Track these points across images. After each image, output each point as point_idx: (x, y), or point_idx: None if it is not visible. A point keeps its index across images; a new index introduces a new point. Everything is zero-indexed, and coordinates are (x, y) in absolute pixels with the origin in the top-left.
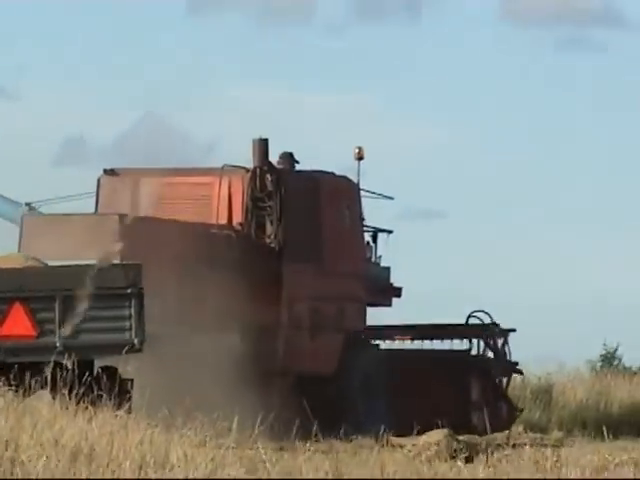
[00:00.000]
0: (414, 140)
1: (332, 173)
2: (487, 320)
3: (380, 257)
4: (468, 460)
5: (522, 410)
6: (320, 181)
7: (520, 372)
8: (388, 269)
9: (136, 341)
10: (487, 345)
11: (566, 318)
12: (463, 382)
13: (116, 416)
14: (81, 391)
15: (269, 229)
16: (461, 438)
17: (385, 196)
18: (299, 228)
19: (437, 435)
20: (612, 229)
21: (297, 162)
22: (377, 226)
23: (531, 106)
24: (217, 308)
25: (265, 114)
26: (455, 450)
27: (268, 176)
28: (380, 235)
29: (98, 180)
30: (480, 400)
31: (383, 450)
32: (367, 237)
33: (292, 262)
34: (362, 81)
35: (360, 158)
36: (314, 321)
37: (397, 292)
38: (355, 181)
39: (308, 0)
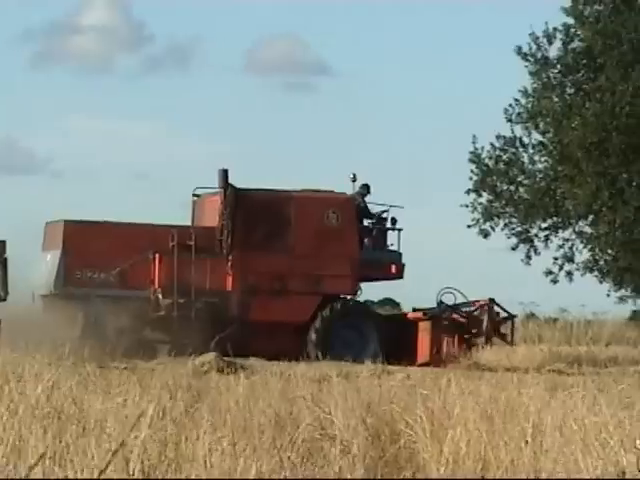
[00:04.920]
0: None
1: (309, 190)
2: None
3: (391, 245)
4: (232, 373)
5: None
6: (283, 198)
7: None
8: (398, 254)
9: (2, 294)
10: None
11: None
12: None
13: None
14: None
15: (223, 230)
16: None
17: (394, 206)
18: (259, 228)
19: (209, 356)
20: None
21: (369, 192)
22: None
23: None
24: (178, 276)
25: None
26: (221, 366)
27: (226, 197)
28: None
29: (193, 202)
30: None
31: (174, 366)
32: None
33: (243, 250)
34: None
35: (354, 181)
36: (279, 287)
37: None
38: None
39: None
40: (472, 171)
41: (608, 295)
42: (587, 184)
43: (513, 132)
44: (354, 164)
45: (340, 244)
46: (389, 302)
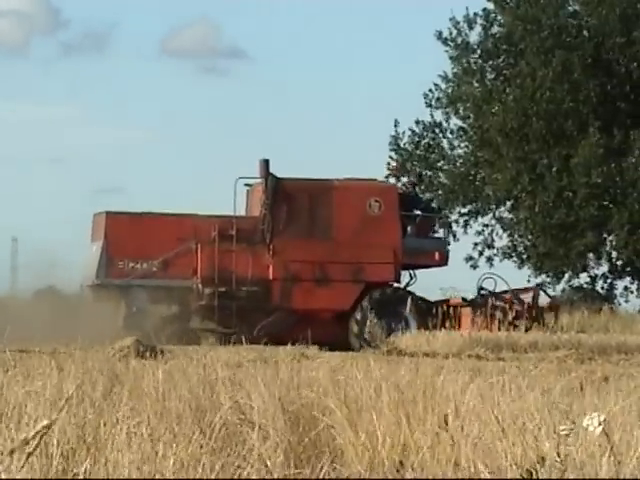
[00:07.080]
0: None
1: (351, 178)
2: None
3: (436, 233)
4: (151, 357)
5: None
6: (325, 186)
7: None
8: (443, 241)
9: None
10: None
11: None
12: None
13: None
14: None
15: (265, 219)
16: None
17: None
18: (300, 217)
19: (129, 340)
20: None
21: (416, 184)
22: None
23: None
24: (219, 266)
25: None
26: (141, 351)
27: (267, 186)
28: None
29: (247, 191)
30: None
31: (93, 351)
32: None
33: (284, 239)
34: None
35: (391, 169)
36: (321, 275)
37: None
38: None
39: None
40: (391, 157)
41: (528, 281)
42: (507, 169)
43: (433, 117)
44: (269, 148)
45: (382, 232)
46: None
